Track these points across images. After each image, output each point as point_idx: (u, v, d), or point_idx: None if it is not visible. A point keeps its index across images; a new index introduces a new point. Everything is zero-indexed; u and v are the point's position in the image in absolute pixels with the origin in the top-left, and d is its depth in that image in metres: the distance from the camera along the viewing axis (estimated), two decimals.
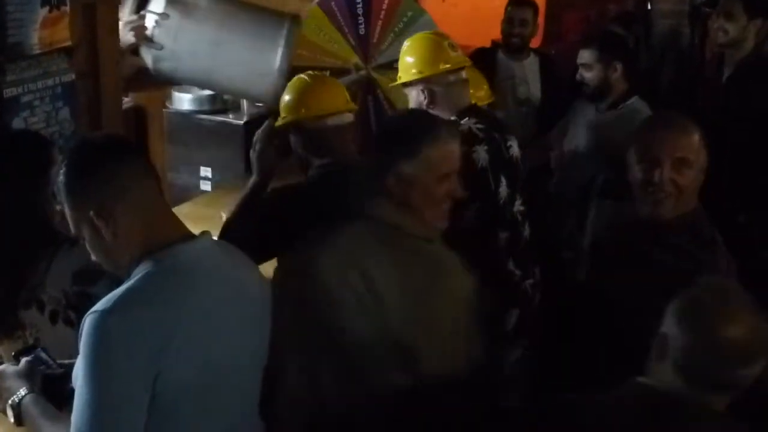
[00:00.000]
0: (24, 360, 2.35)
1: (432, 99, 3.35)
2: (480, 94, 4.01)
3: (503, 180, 3.32)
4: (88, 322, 1.96)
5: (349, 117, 3.25)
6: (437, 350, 2.42)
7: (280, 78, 4.18)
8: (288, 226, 2.87)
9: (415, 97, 3.41)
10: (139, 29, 4.16)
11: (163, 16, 4.17)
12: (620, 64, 4.39)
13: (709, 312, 2.08)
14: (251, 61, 4.28)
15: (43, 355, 2.39)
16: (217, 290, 2.12)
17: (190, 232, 2.18)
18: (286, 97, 3.29)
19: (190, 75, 4.44)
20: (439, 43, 3.44)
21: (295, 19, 4.43)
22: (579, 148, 4.53)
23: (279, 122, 3.27)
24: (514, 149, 3.46)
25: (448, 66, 3.37)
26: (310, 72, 3.42)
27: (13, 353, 2.44)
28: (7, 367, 2.37)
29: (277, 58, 4.26)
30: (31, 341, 2.56)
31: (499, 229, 3.32)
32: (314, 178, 3.14)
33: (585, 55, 4.47)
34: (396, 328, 2.39)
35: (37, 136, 2.99)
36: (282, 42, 4.28)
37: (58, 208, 2.16)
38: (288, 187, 3.17)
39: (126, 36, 4.15)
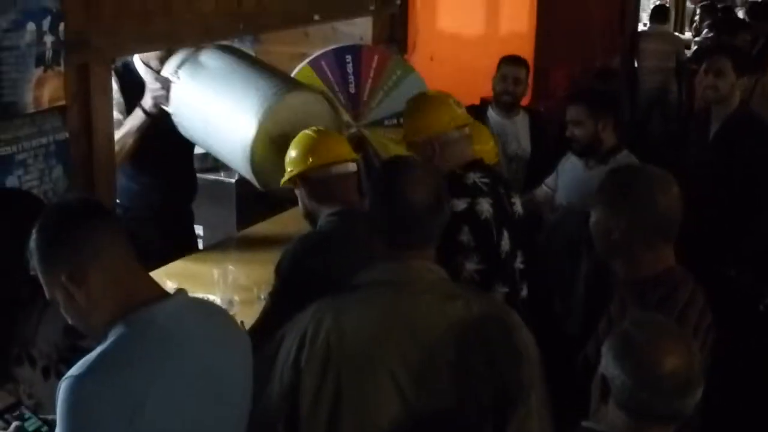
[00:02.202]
0: (14, 425, 2.36)
1: (437, 154, 3.40)
2: (487, 148, 4.08)
3: (505, 234, 3.36)
4: (62, 387, 1.97)
5: (353, 166, 3.33)
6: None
7: (252, 156, 3.86)
8: (315, 276, 2.94)
9: (421, 155, 3.46)
10: (157, 93, 4.18)
11: (173, 78, 4.17)
12: (609, 119, 4.44)
13: (642, 349, 2.12)
14: (231, 137, 3.98)
15: (27, 412, 2.40)
16: (193, 349, 2.12)
17: (165, 291, 2.18)
18: (291, 153, 3.36)
19: (199, 142, 4.35)
20: (445, 101, 3.53)
21: (291, 92, 4.00)
22: (569, 203, 4.55)
23: (285, 177, 3.35)
24: (518, 207, 3.52)
25: (455, 123, 3.45)
26: (313, 128, 3.47)
27: None
28: None
29: (249, 135, 3.84)
30: (25, 397, 2.55)
31: (498, 283, 3.34)
32: (329, 226, 3.18)
33: (574, 112, 4.51)
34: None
35: (26, 194, 3.01)
36: (256, 119, 3.85)
37: (32, 273, 2.16)
38: (307, 238, 3.21)
39: (146, 100, 4.19)
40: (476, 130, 4.07)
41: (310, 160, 3.29)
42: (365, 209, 2.73)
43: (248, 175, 4.03)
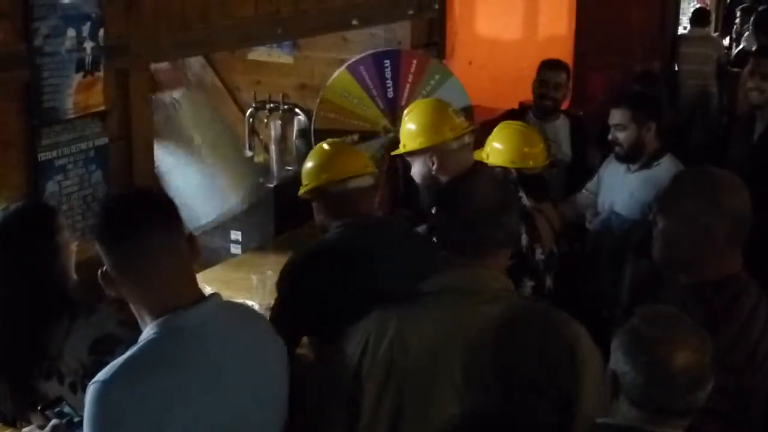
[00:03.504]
0: (51, 425, 2.38)
1: (439, 165, 3.39)
2: (536, 151, 4.05)
3: (522, 228, 3.35)
4: (90, 391, 1.98)
5: (369, 180, 3.25)
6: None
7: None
8: (319, 288, 2.95)
9: (420, 165, 3.45)
10: None
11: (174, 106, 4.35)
12: (653, 123, 4.38)
13: (652, 344, 2.08)
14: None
15: (68, 409, 2.44)
16: (224, 353, 2.10)
17: (201, 295, 2.15)
18: (308, 165, 3.31)
19: None
20: (443, 110, 3.51)
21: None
22: (612, 208, 4.50)
23: (302, 190, 3.30)
24: (524, 200, 3.55)
25: (454, 133, 3.43)
26: (329, 140, 3.47)
27: (39, 407, 2.48)
28: (33, 430, 2.43)
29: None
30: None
31: (525, 277, 3.36)
32: (335, 237, 3.13)
33: (617, 116, 4.44)
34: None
35: (41, 205, 2.99)
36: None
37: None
38: (306, 251, 3.17)
39: None
40: (526, 132, 4.09)
41: (324, 175, 3.22)
42: (380, 219, 2.69)
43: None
